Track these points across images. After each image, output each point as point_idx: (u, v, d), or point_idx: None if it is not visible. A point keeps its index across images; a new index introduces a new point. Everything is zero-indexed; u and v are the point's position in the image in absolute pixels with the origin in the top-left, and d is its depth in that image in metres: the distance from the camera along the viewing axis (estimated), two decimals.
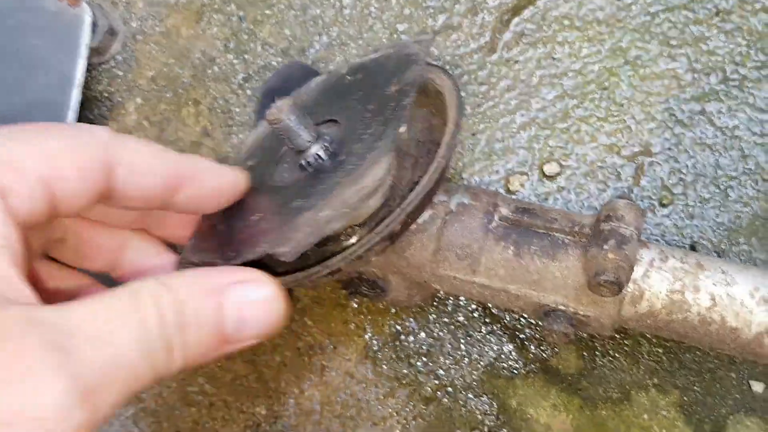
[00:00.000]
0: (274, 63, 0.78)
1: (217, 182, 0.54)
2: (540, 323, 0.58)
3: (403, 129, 0.63)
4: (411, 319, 0.72)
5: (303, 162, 0.60)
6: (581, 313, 0.56)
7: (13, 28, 0.75)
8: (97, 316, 0.36)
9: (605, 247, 0.53)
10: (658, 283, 0.55)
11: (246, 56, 0.78)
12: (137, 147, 0.46)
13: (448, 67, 0.74)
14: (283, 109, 0.58)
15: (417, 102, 0.66)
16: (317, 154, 0.60)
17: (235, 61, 0.79)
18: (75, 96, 0.73)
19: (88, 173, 0.43)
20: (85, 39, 0.76)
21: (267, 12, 0.78)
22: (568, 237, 0.57)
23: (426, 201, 0.54)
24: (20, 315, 0.34)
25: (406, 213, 0.52)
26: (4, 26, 0.75)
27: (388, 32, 0.75)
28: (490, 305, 0.71)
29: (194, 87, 0.79)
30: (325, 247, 0.61)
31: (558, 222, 0.58)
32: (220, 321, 0.42)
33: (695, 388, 0.67)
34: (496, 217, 0.59)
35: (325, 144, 0.60)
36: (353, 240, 0.58)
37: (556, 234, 0.57)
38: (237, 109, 0.78)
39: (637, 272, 0.55)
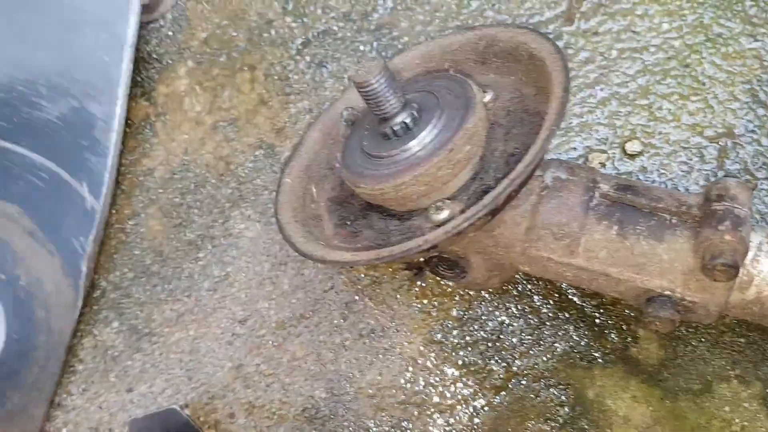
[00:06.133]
0: (335, 28, 0.73)
1: None
2: (640, 310, 0.55)
3: (488, 97, 0.59)
4: (480, 303, 0.69)
5: (387, 130, 0.56)
6: (688, 299, 0.52)
7: None
8: None
9: (720, 228, 0.49)
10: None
11: (305, 19, 0.74)
12: None
13: None
14: (372, 72, 0.54)
15: (503, 70, 0.62)
16: (404, 122, 0.55)
17: (293, 25, 0.74)
18: (127, 56, 0.68)
19: None
20: None
21: None
22: (675, 217, 0.53)
23: (533, 173, 0.50)
24: None
25: (515, 186, 0.48)
26: None
27: None
28: (572, 289, 0.67)
29: (249, 51, 0.74)
30: (411, 221, 0.57)
31: (664, 201, 0.54)
32: None
33: None
34: (596, 194, 0.55)
35: (413, 112, 0.56)
36: (444, 214, 0.54)
37: (663, 214, 0.54)
38: (295, 77, 0.73)
39: (747, 257, 0.52)
